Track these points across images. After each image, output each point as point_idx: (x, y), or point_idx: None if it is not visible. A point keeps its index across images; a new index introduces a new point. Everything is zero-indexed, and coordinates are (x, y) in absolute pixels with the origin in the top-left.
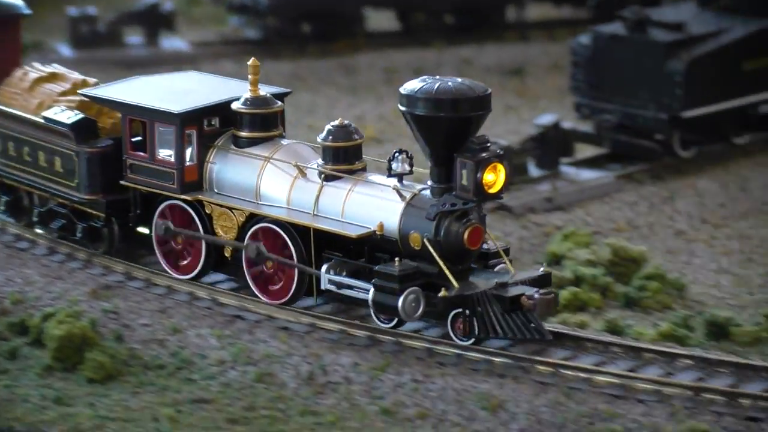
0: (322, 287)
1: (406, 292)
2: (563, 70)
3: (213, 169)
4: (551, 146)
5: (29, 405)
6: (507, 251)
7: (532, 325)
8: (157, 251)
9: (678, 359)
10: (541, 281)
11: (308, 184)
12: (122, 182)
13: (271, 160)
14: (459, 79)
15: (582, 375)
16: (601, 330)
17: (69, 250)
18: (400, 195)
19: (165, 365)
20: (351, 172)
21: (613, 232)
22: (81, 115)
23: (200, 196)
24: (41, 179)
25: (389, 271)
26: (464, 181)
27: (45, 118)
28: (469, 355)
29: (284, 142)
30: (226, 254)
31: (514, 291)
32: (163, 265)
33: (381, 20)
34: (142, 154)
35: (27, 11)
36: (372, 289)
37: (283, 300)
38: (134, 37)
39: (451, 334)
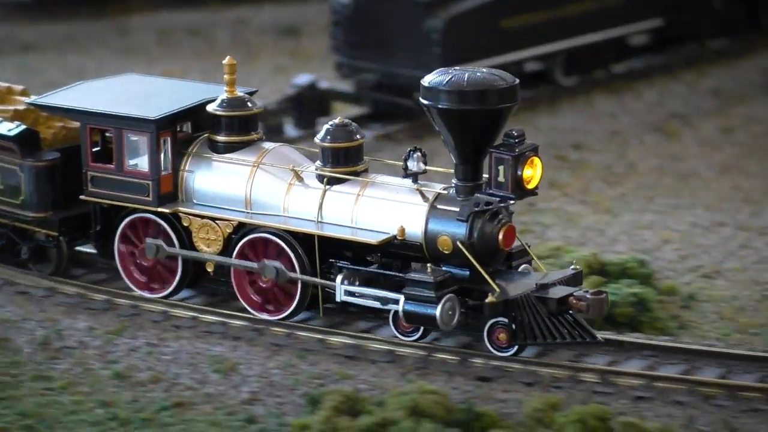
0: (338, 299)
1: (443, 301)
2: None
3: (190, 178)
4: (308, 106)
5: None
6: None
7: (579, 326)
8: (121, 269)
9: None
10: (574, 280)
11: (308, 189)
12: (83, 197)
13: (260, 166)
14: (484, 69)
15: (317, 336)
16: None
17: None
18: (423, 196)
19: None
20: (355, 175)
21: None
22: (23, 126)
23: (180, 208)
24: None
25: (424, 279)
26: (501, 178)
27: None
28: (204, 318)
29: (268, 145)
30: (208, 269)
31: (558, 292)
32: (129, 284)
33: None
34: (107, 165)
35: None
36: (402, 299)
37: (284, 315)
38: None
39: (488, 345)
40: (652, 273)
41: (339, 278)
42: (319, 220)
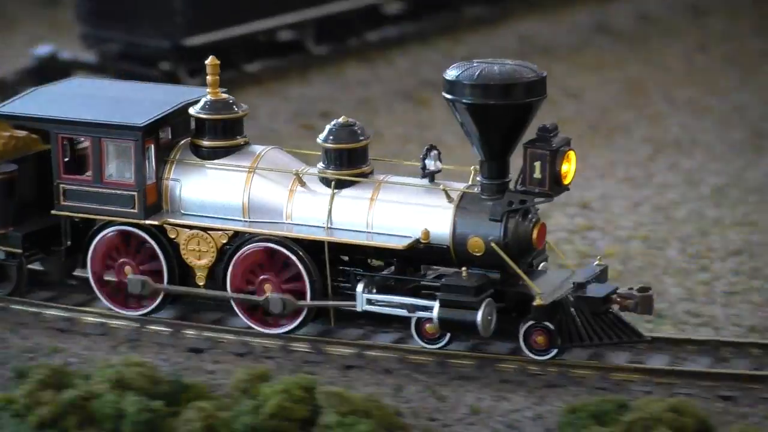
0: (359, 309)
1: (483, 306)
2: None
3: (175, 187)
4: (50, 78)
5: None
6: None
7: (623, 325)
8: (95, 286)
9: None
10: (602, 276)
11: (313, 194)
12: (55, 212)
13: (257, 171)
14: (509, 61)
15: (31, 310)
16: None
17: None
18: (448, 196)
19: None
20: (363, 176)
21: None
22: None
23: (169, 219)
24: None
25: (463, 284)
26: (537, 174)
27: None
28: None
29: (258, 149)
30: (199, 282)
31: (599, 290)
32: (107, 302)
33: None
34: (83, 177)
35: None
36: (437, 306)
37: (290, 328)
38: None
39: (525, 350)
40: None
41: (359, 287)
42: (329, 226)
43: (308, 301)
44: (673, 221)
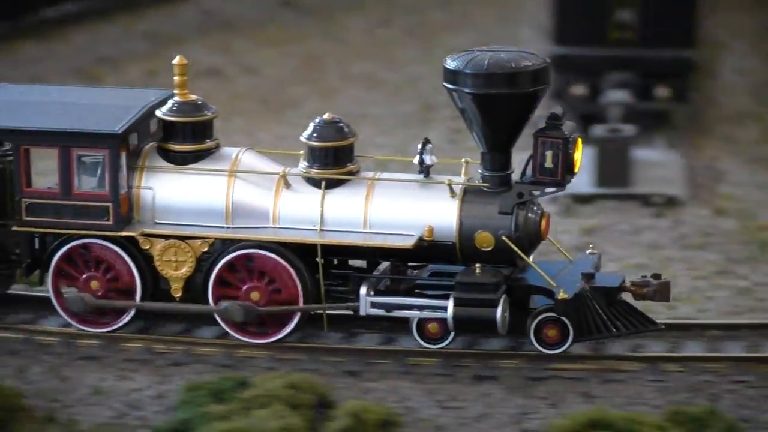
0: (362, 313)
1: (501, 302)
2: None
3: (147, 195)
4: None
5: None
6: None
7: (637, 314)
8: (57, 303)
9: None
10: (599, 265)
11: (301, 195)
12: (16, 228)
13: (238, 174)
14: (512, 49)
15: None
16: None
17: None
18: (451, 191)
19: None
20: (351, 174)
21: None
22: None
23: (147, 230)
24: None
25: (482, 280)
26: (549, 164)
27: None
28: None
29: (231, 151)
30: (175, 295)
31: (609, 280)
32: (71, 321)
33: None
34: (48, 190)
35: None
36: (451, 305)
37: (279, 337)
38: None
39: (536, 345)
40: None
41: (363, 290)
42: (322, 227)
43: (300, 305)
44: None
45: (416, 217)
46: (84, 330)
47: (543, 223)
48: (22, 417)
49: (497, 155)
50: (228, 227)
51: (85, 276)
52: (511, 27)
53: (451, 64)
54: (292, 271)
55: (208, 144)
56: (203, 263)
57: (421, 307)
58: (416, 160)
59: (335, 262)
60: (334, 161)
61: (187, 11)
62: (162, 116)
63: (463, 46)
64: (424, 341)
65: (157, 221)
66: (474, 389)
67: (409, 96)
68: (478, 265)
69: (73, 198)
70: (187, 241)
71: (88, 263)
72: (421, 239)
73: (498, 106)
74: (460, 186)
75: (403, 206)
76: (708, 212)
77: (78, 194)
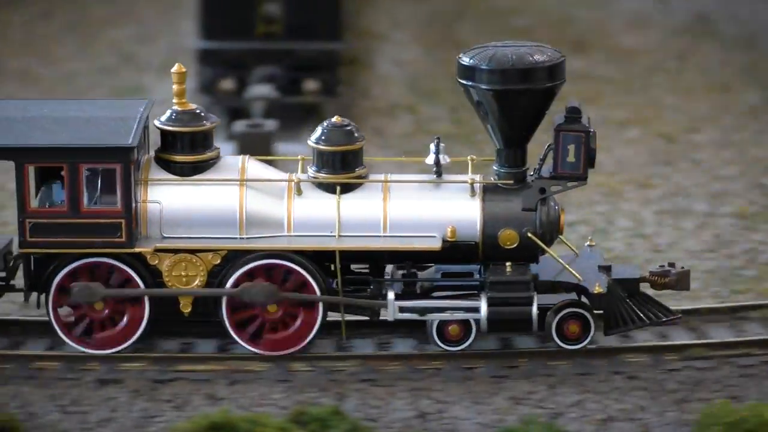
0: (390, 318)
1: (535, 299)
2: None
3: (155, 209)
4: None
5: None
6: None
7: (656, 305)
8: (57, 325)
9: None
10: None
11: (315, 200)
12: (22, 250)
13: (248, 183)
14: (528, 43)
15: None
16: None
17: None
18: (472, 189)
19: None
20: (361, 178)
21: None
22: None
23: (159, 245)
24: None
25: (518, 279)
26: (571, 158)
27: None
28: None
29: (234, 159)
30: (184, 311)
31: (626, 272)
32: (70, 341)
33: None
34: (56, 209)
35: None
36: (485, 305)
37: (297, 348)
38: None
39: (557, 340)
40: None
41: (391, 295)
42: (340, 233)
43: (320, 315)
44: None
45: (437, 217)
46: (89, 352)
47: (562, 217)
48: None
49: (514, 151)
50: (242, 238)
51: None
52: (173, 20)
53: (465, 60)
54: (311, 279)
55: (212, 153)
56: (214, 277)
57: (452, 309)
58: (432, 159)
59: (350, 267)
60: (346, 165)
61: None
62: (162, 126)
63: (122, 40)
64: (445, 344)
65: (165, 235)
66: (98, 393)
67: (64, 92)
68: (508, 263)
69: (82, 216)
70: (198, 254)
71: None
72: (443, 240)
73: (517, 102)
74: (480, 185)
75: (423, 207)
76: None
77: (87, 211)
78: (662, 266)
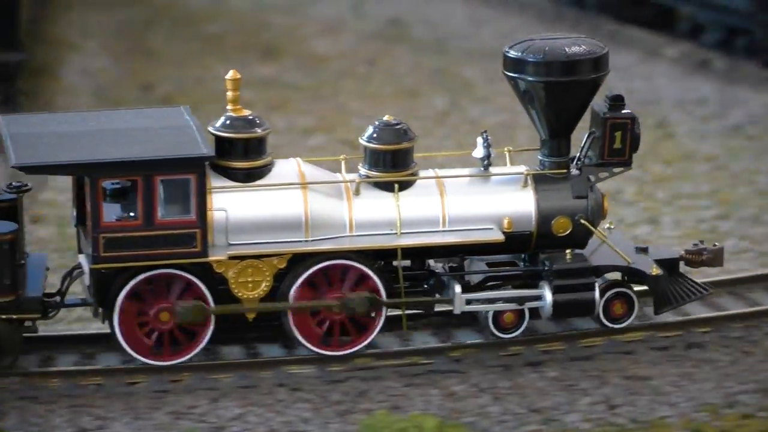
0: (457, 312)
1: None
2: None
3: (220, 217)
4: None
5: None
6: None
7: (693, 282)
8: (123, 339)
9: None
10: None
11: (374, 200)
12: (95, 266)
13: (310, 186)
14: (573, 36)
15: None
16: None
17: None
18: (525, 181)
19: None
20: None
21: None
22: (5, 195)
23: (231, 252)
24: None
25: (581, 265)
26: (618, 144)
27: None
28: None
29: (290, 163)
30: (249, 316)
31: (662, 252)
32: (135, 355)
33: None
34: (129, 222)
35: None
36: (550, 292)
37: (362, 345)
38: None
39: (604, 320)
40: None
41: (458, 288)
42: (402, 230)
43: (383, 313)
44: None
45: (492, 210)
46: (152, 364)
47: (605, 202)
48: None
49: (560, 141)
50: (308, 240)
51: (156, 308)
52: None
53: (513, 52)
54: (376, 278)
55: (268, 159)
56: (279, 281)
57: (521, 300)
58: (481, 153)
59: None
60: (401, 162)
61: None
62: (218, 132)
63: None
64: (501, 332)
65: (231, 242)
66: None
67: None
68: (568, 251)
69: (156, 227)
70: (263, 259)
71: (156, 295)
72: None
73: (565, 93)
74: (529, 176)
75: (480, 201)
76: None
77: (162, 222)
78: (696, 244)
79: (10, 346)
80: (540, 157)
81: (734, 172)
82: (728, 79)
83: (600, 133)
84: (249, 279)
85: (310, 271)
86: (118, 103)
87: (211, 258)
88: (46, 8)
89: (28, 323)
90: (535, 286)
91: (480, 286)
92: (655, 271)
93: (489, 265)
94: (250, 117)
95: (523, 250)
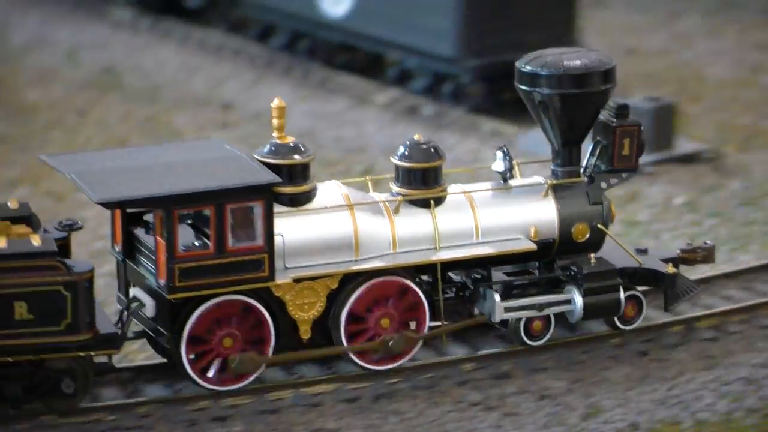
0: (496, 320)
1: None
2: None
3: (279, 242)
4: None
5: None
6: None
7: (684, 279)
8: (189, 368)
9: None
10: None
11: (412, 217)
12: (171, 297)
13: (356, 207)
14: (581, 49)
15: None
16: None
17: None
18: (545, 192)
19: None
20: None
21: None
22: (55, 234)
23: (291, 275)
24: None
25: (608, 268)
26: (626, 151)
27: None
28: None
29: (332, 185)
30: (304, 336)
31: (662, 252)
32: (203, 382)
33: None
34: (202, 251)
35: None
36: (580, 296)
37: (407, 358)
38: None
39: (618, 323)
40: None
41: (497, 297)
42: (440, 245)
43: (426, 326)
44: None
45: (520, 220)
46: (224, 390)
47: (612, 207)
48: None
49: (573, 150)
50: (358, 260)
51: (219, 335)
52: None
53: (525, 66)
54: (420, 293)
55: (313, 183)
56: (331, 301)
57: (549, 305)
58: (501, 167)
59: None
60: (434, 180)
61: None
62: (266, 159)
63: None
64: (531, 340)
65: (288, 266)
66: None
67: None
68: (592, 255)
69: (227, 255)
70: (316, 280)
71: (218, 322)
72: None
73: (578, 105)
74: (546, 187)
75: (507, 212)
76: None
77: (232, 250)
78: (689, 243)
79: (86, 383)
80: (553, 167)
81: None
82: (436, 125)
83: (609, 141)
84: (305, 301)
85: (360, 289)
86: None
87: (279, 281)
88: None
89: (100, 359)
90: (557, 292)
91: (510, 295)
92: (671, 269)
93: (508, 274)
94: (294, 144)
95: (546, 257)
